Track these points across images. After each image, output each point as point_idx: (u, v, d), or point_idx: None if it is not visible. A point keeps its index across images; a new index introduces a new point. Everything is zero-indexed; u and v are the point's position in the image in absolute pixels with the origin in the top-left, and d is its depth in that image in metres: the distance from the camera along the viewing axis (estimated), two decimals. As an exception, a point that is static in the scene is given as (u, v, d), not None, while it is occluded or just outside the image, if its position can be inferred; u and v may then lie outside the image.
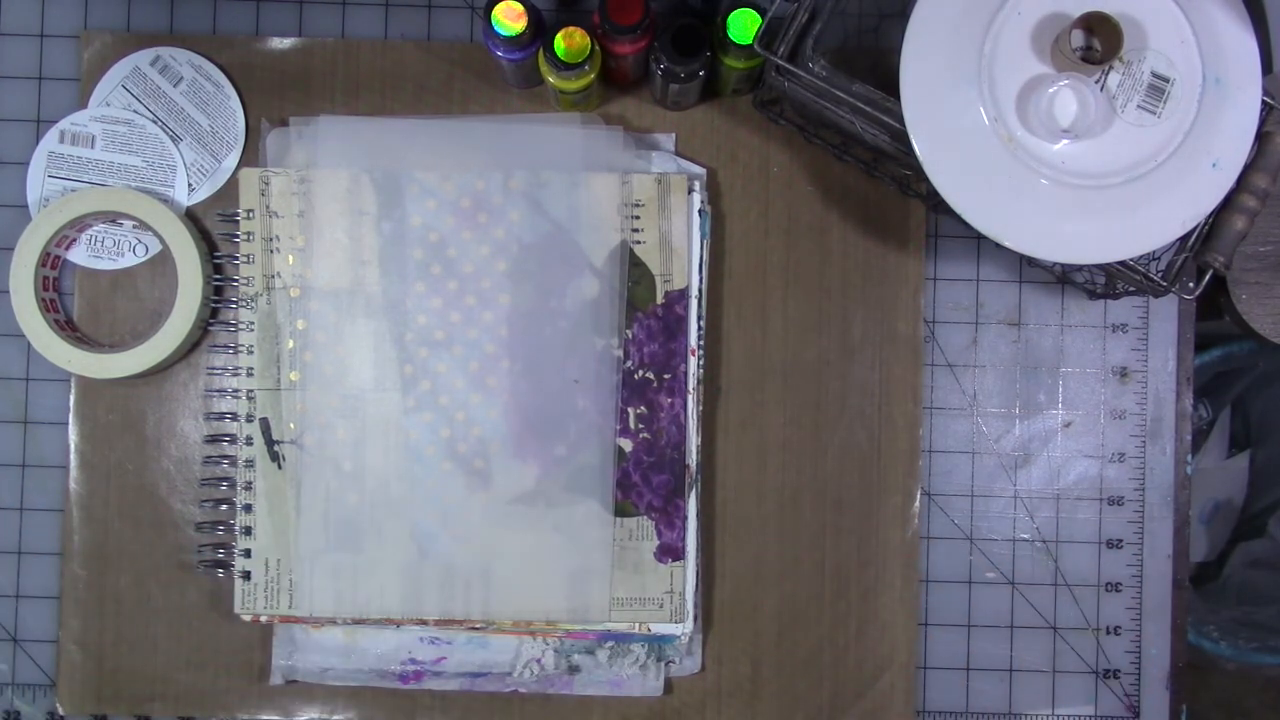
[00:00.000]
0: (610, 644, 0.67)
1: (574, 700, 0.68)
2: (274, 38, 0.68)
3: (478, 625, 0.66)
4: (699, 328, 0.67)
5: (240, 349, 0.66)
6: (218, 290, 0.68)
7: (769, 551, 0.68)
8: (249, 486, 0.66)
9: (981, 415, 0.70)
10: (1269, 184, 0.55)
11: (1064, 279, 0.70)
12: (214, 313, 0.68)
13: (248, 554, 0.66)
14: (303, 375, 0.66)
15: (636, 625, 0.66)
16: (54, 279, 0.67)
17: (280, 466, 0.66)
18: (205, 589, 0.67)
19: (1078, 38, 0.53)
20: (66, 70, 0.68)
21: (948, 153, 0.53)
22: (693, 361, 0.66)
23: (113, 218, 0.67)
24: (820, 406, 0.69)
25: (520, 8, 0.59)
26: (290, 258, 0.66)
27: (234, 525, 0.66)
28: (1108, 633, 0.70)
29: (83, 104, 0.68)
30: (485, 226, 0.66)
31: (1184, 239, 0.57)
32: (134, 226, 0.67)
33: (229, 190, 0.68)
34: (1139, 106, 0.53)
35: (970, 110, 0.53)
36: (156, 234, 0.66)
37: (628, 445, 0.66)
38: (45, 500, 0.68)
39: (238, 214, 0.67)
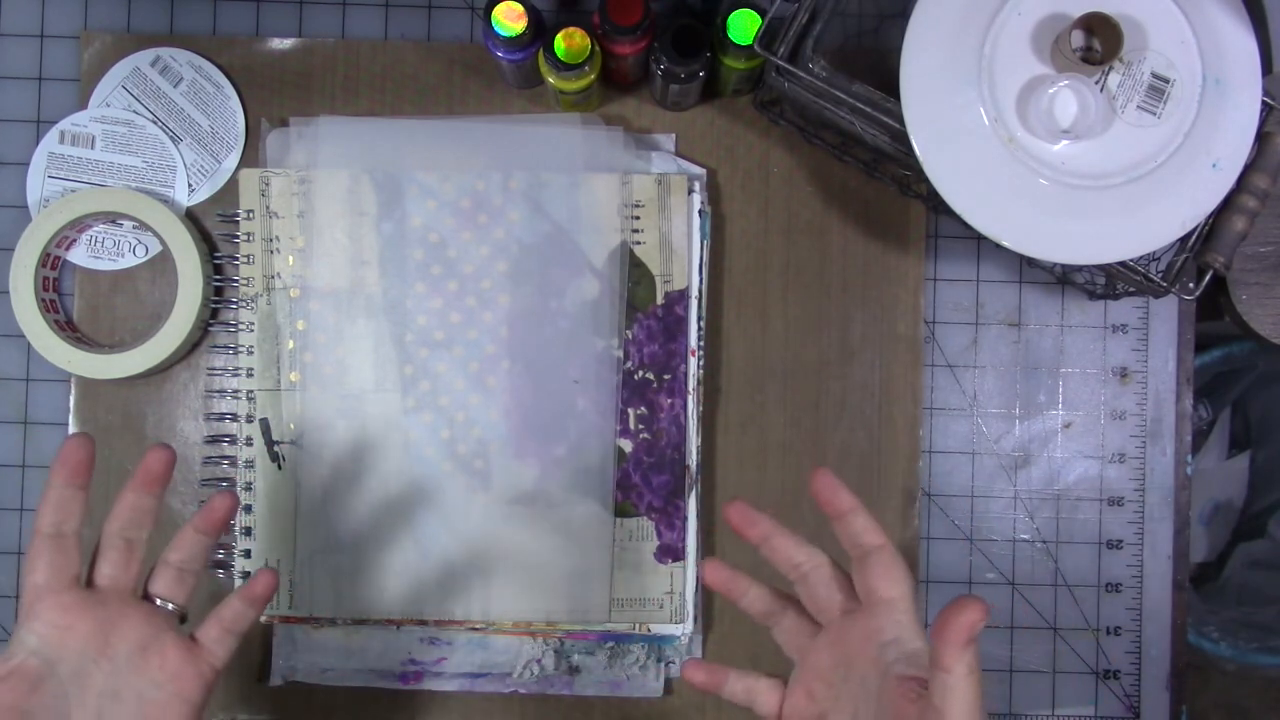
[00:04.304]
0: (610, 645, 0.67)
1: (574, 701, 0.68)
2: (274, 38, 0.68)
3: (478, 626, 0.66)
4: (699, 328, 0.67)
5: (240, 349, 0.66)
6: (218, 291, 0.68)
7: (769, 552, 0.68)
8: (249, 487, 0.66)
9: (981, 416, 0.70)
10: (1269, 184, 0.55)
11: (1064, 279, 0.69)
12: (214, 313, 0.68)
13: (248, 554, 0.66)
14: (303, 376, 0.66)
15: (636, 626, 0.66)
16: (54, 279, 0.67)
17: (280, 467, 0.66)
18: (205, 589, 0.67)
19: (1078, 38, 0.53)
20: (66, 71, 0.68)
21: (948, 153, 0.53)
22: (693, 362, 0.66)
23: (113, 218, 0.67)
24: (820, 407, 0.69)
25: (520, 8, 0.59)
26: (290, 258, 0.66)
27: (234, 525, 0.66)
28: (1108, 633, 0.70)
29: (83, 104, 0.68)
30: (485, 227, 0.66)
31: (1184, 239, 0.57)
32: (134, 227, 0.67)
33: (229, 191, 0.68)
34: (1139, 107, 0.53)
35: (970, 110, 0.53)
36: (156, 234, 0.66)
37: (628, 446, 0.66)
38: (45, 500, 0.68)
39: (238, 214, 0.67)
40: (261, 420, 0.66)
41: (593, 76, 0.62)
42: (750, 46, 0.60)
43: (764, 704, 0.49)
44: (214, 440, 0.68)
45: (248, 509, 0.66)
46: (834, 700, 0.47)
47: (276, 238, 0.66)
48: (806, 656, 0.49)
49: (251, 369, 0.66)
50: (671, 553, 0.66)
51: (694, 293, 0.67)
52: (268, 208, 0.66)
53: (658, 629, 0.66)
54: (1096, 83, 0.53)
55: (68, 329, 0.67)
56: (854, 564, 0.48)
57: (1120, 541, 0.70)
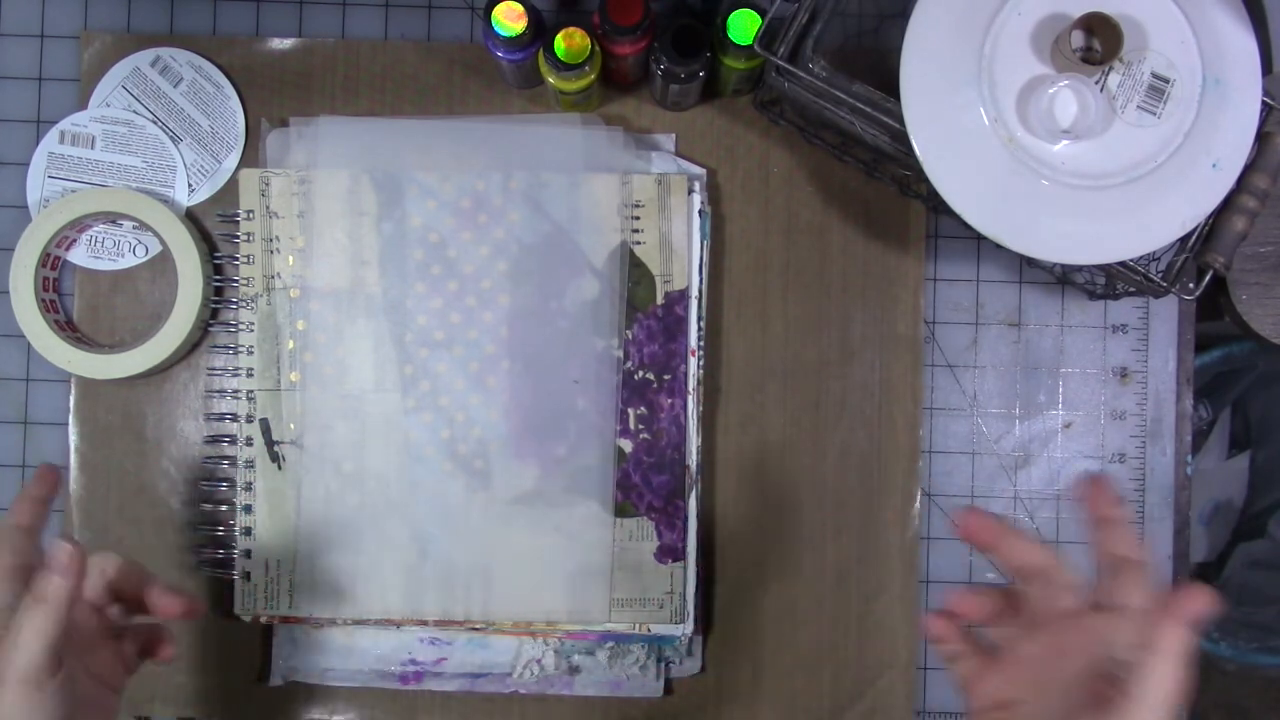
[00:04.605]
0: (610, 645, 0.67)
1: (574, 701, 0.68)
2: (274, 38, 0.68)
3: (478, 626, 0.66)
4: (699, 328, 0.67)
5: (240, 350, 0.66)
6: (218, 291, 0.68)
7: (769, 552, 0.68)
8: (249, 487, 0.66)
9: (981, 416, 0.70)
10: (1269, 184, 0.55)
11: (1064, 279, 0.69)
12: (214, 313, 0.68)
13: (248, 554, 0.66)
14: (303, 376, 0.66)
15: (636, 626, 0.66)
16: (54, 279, 0.67)
17: (280, 467, 0.66)
18: (205, 589, 0.67)
19: (1078, 38, 0.53)
20: (66, 70, 0.68)
21: (948, 153, 0.53)
22: (693, 362, 0.66)
23: (113, 218, 0.67)
24: (820, 407, 0.69)
25: (520, 8, 0.59)
26: (290, 258, 0.66)
27: (234, 526, 0.66)
28: (1108, 633, 0.69)
29: (83, 104, 0.68)
30: (485, 227, 0.66)
31: (1184, 239, 0.57)
32: (134, 227, 0.67)
33: (229, 191, 0.68)
34: (1139, 107, 0.53)
35: (970, 111, 0.53)
36: (156, 234, 0.66)
37: (628, 446, 0.66)
38: (45, 501, 0.68)
39: (238, 214, 0.67)
40: (261, 420, 0.66)
41: (593, 76, 0.62)
42: (750, 46, 0.60)
43: (963, 669, 0.50)
44: (214, 440, 0.68)
45: (248, 509, 0.66)
46: (1033, 689, 0.47)
47: (276, 238, 0.66)
48: (1017, 644, 0.48)
49: (251, 369, 0.66)
50: (671, 553, 0.66)
51: (694, 293, 0.67)
52: (268, 208, 0.66)
53: (658, 629, 0.66)
54: (1096, 83, 0.53)
55: (68, 329, 0.67)
56: (1102, 569, 0.47)
57: (1120, 541, 0.70)
